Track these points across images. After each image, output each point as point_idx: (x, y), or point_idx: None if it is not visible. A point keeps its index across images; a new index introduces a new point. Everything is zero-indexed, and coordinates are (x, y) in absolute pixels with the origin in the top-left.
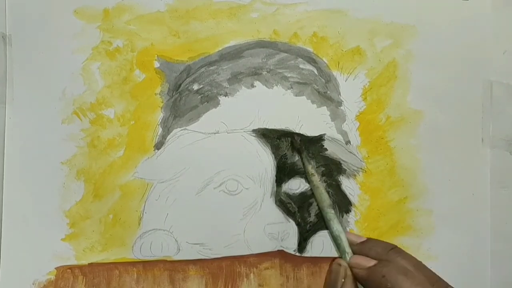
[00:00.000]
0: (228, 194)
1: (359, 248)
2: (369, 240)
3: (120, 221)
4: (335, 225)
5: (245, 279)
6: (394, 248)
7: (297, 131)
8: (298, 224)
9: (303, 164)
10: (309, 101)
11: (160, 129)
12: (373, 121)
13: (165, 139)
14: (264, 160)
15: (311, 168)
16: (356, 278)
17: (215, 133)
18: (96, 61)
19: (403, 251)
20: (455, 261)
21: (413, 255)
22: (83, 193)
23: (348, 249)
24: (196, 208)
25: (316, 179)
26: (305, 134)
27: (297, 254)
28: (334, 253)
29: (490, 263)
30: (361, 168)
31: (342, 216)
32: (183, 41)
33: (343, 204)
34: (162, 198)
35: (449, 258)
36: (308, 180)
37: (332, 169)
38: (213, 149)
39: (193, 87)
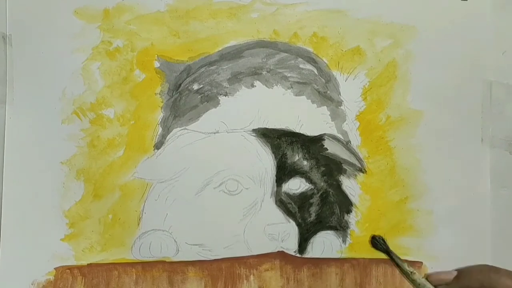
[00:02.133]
0: (228, 194)
1: (458, 283)
2: (461, 270)
3: (120, 221)
4: None
5: (245, 281)
6: (491, 270)
7: (297, 131)
8: (298, 225)
9: (398, 265)
10: (309, 101)
11: (160, 129)
12: (373, 121)
13: (165, 138)
14: (264, 160)
15: (407, 266)
16: None
17: (215, 133)
18: (96, 61)
19: (501, 269)
20: (457, 262)
21: (414, 256)
22: (82, 193)
23: (425, 283)
24: (195, 208)
25: (419, 276)
26: (305, 134)
27: (298, 255)
28: (336, 254)
29: (492, 263)
30: (361, 168)
31: (343, 217)
32: (183, 41)
33: (344, 204)
34: (161, 198)
35: (451, 259)
36: (410, 280)
37: (333, 169)
38: (213, 149)
39: (193, 87)
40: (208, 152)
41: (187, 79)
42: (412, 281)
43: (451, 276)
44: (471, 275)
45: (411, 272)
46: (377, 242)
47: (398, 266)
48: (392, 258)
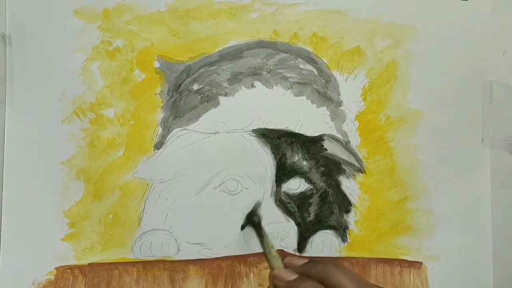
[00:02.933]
0: (228, 194)
1: (301, 270)
2: (310, 260)
3: (120, 221)
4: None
5: (245, 278)
6: (334, 265)
7: (297, 131)
8: (297, 224)
9: (262, 235)
10: (309, 101)
11: (160, 129)
12: (373, 121)
13: (165, 139)
14: (264, 160)
15: (270, 239)
16: None
17: (215, 133)
18: (96, 61)
19: (344, 266)
20: (457, 262)
21: (414, 256)
22: (83, 193)
23: (279, 263)
24: (196, 208)
25: (275, 252)
26: (304, 134)
27: (297, 253)
28: (335, 253)
29: (492, 263)
30: (360, 168)
31: (342, 217)
32: (183, 41)
33: (343, 204)
34: (162, 198)
35: (451, 259)
36: (268, 252)
37: (332, 169)
38: (213, 149)
39: (193, 87)
40: (208, 152)
41: (187, 79)
42: (269, 253)
43: (301, 261)
44: (316, 265)
45: (271, 246)
46: (254, 214)
47: (262, 236)
48: (260, 230)
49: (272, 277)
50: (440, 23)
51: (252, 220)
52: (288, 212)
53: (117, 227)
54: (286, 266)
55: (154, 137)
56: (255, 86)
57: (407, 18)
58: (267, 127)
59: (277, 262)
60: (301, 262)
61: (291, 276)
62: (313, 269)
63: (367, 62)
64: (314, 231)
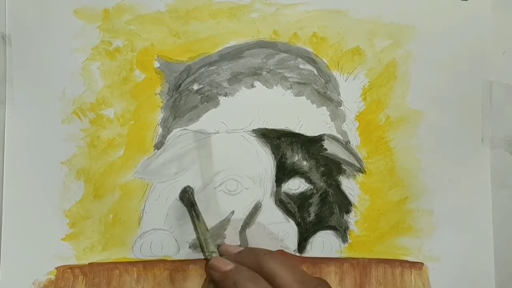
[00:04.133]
0: (228, 194)
1: (237, 258)
2: (246, 248)
3: (120, 221)
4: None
5: None
6: (268, 253)
7: (297, 131)
8: (298, 224)
9: (198, 219)
10: (309, 101)
11: (160, 129)
12: (373, 121)
13: (165, 139)
14: (264, 160)
15: (206, 229)
16: (213, 280)
17: (215, 133)
18: (96, 61)
19: (279, 255)
20: (459, 262)
21: (414, 256)
22: (83, 193)
23: (213, 249)
24: None
25: (212, 240)
26: (304, 134)
27: (297, 254)
28: (335, 253)
29: (494, 263)
30: (360, 168)
31: (343, 217)
32: (183, 41)
33: (343, 204)
34: (162, 198)
35: (452, 260)
36: (203, 240)
37: (332, 169)
38: (213, 149)
39: (193, 87)
40: (208, 152)
41: (187, 79)
42: (204, 239)
43: (236, 250)
44: (250, 254)
45: (206, 230)
46: (186, 192)
47: (198, 220)
48: (195, 212)
49: (209, 267)
50: (440, 23)
51: (184, 199)
52: (288, 212)
53: (117, 227)
54: (222, 254)
55: (154, 137)
56: (255, 86)
57: (407, 18)
58: (267, 127)
59: (212, 250)
60: (236, 250)
61: (227, 266)
62: (248, 258)
63: (367, 62)
64: (315, 232)
